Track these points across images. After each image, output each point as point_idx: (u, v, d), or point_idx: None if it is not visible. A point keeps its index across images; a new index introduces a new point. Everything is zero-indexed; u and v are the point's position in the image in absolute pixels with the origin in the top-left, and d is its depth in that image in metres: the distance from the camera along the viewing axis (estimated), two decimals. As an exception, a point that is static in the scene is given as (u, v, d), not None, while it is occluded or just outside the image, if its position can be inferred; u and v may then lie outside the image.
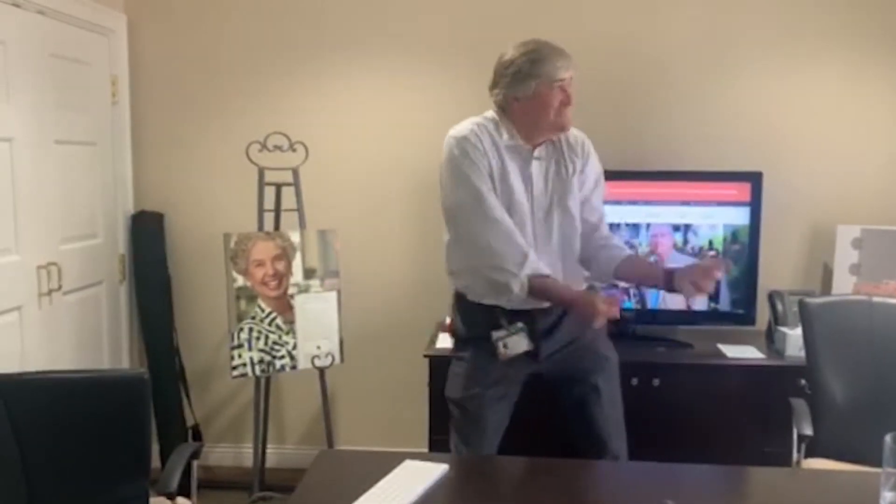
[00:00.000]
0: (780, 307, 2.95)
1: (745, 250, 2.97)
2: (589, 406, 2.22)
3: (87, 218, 3.06)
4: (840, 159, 3.14)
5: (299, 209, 3.03)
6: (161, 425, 3.24)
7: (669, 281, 2.09)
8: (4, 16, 2.54)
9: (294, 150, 3.00)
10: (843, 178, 3.15)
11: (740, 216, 2.96)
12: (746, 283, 2.97)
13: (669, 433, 2.73)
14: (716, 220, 2.98)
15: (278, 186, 3.06)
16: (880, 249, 2.99)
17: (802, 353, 2.45)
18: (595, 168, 2.26)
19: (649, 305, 3.01)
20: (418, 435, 2.79)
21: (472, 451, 2.16)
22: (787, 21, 3.11)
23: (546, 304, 2.14)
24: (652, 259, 2.95)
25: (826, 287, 3.13)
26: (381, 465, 1.75)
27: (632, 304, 3.02)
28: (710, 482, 1.87)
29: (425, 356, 2.74)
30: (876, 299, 2.42)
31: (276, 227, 3.09)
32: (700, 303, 2.98)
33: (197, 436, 3.37)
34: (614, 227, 2.94)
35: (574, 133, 2.24)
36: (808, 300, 2.42)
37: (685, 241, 2.99)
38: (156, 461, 2.88)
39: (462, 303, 2.22)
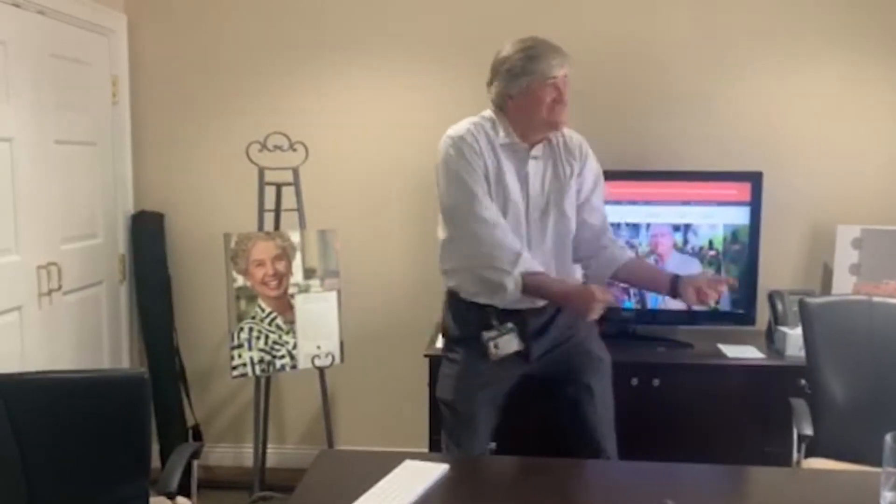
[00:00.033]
0: (780, 307, 2.95)
1: (745, 250, 2.96)
2: (582, 406, 2.22)
3: (87, 218, 3.06)
4: (840, 159, 3.15)
5: (299, 209, 3.03)
6: (161, 425, 3.24)
7: (674, 287, 2.09)
8: (4, 16, 2.54)
9: (294, 150, 3.00)
10: (844, 178, 3.15)
11: (740, 216, 2.96)
12: (746, 282, 2.97)
13: (669, 433, 2.73)
14: (716, 219, 2.98)
15: (278, 186, 3.06)
16: (880, 249, 2.99)
17: (802, 353, 2.45)
18: (593, 169, 2.26)
19: (649, 305, 3.01)
20: (418, 435, 2.79)
21: (463, 452, 2.15)
22: (787, 21, 3.11)
23: (539, 304, 2.14)
24: (653, 259, 2.95)
25: (826, 287, 3.13)
26: (381, 465, 1.76)
27: (632, 304, 3.02)
28: (710, 482, 1.87)
29: (425, 356, 2.74)
30: (876, 299, 2.42)
31: (277, 227, 3.09)
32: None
33: (197, 436, 3.37)
34: (614, 226, 2.92)
35: (572, 135, 2.25)
36: (809, 300, 2.42)
37: (685, 241, 2.99)
38: (156, 461, 2.88)
39: (454, 302, 2.22)
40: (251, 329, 2.87)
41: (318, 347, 2.98)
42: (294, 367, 2.95)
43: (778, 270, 3.15)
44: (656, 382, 2.76)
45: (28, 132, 2.65)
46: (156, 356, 3.32)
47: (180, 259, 3.38)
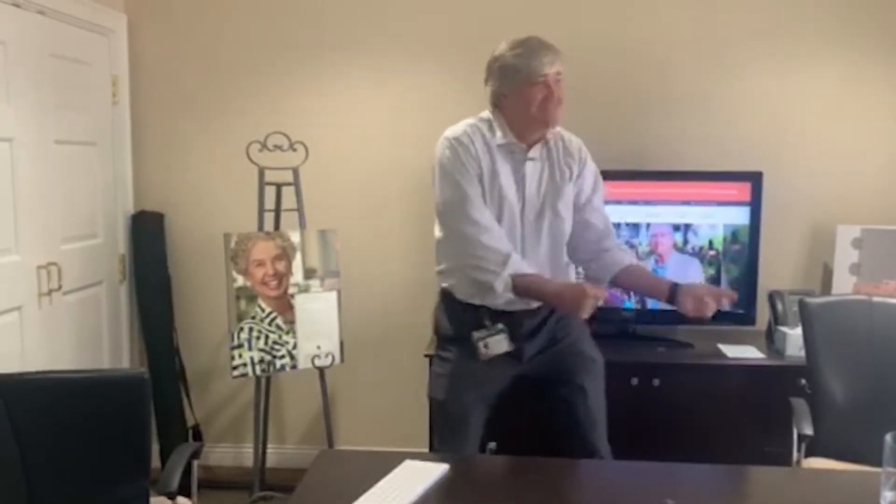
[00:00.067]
0: (780, 307, 2.95)
1: (745, 250, 2.97)
2: (575, 407, 2.22)
3: (87, 218, 3.06)
4: (840, 159, 3.15)
5: (299, 209, 3.03)
6: (161, 425, 3.24)
7: (673, 295, 2.09)
8: (4, 16, 2.54)
9: (294, 150, 3.00)
10: (844, 178, 3.15)
11: (740, 216, 2.97)
12: (746, 282, 2.97)
13: (669, 433, 2.73)
14: (716, 219, 2.98)
15: (278, 186, 3.06)
16: (880, 249, 2.99)
17: (802, 353, 2.45)
18: (592, 171, 2.26)
19: (649, 305, 3.01)
20: (418, 435, 2.78)
21: (454, 451, 2.15)
22: (786, 21, 3.11)
23: (533, 305, 2.14)
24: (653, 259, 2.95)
25: (826, 287, 3.13)
26: (381, 465, 1.76)
27: (632, 304, 3.02)
28: (711, 482, 1.87)
29: (425, 356, 2.73)
30: (876, 299, 2.42)
31: (277, 227, 3.09)
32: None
33: (197, 436, 3.37)
34: (614, 226, 2.93)
35: (571, 138, 2.25)
36: (809, 300, 2.42)
37: (685, 241, 2.99)
38: (156, 461, 2.88)
39: (449, 301, 2.23)
40: (251, 329, 2.87)
41: (318, 347, 2.98)
42: (294, 367, 2.95)
43: (778, 270, 3.15)
44: (656, 382, 2.76)
45: (28, 132, 2.65)
46: (156, 356, 3.32)
47: (180, 259, 3.38)
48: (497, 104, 2.15)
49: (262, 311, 2.90)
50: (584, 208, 2.24)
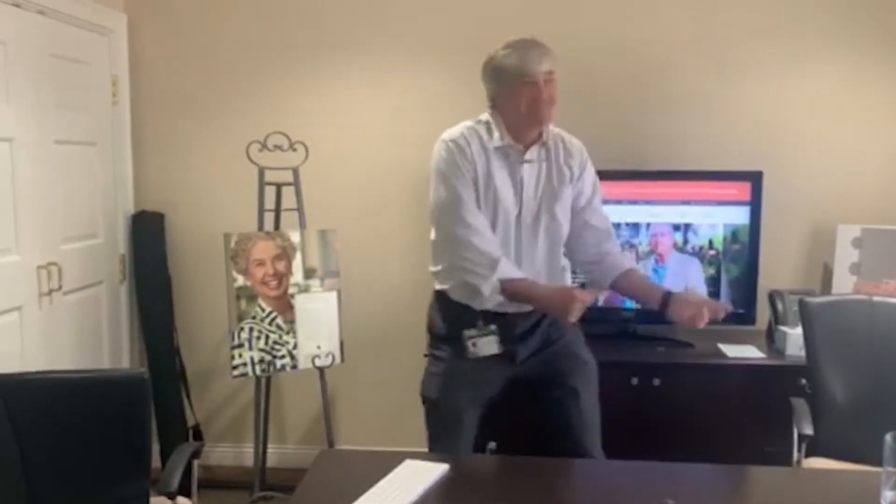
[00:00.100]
0: (780, 307, 2.95)
1: (745, 250, 2.97)
2: (568, 409, 2.21)
3: (87, 218, 3.06)
4: (840, 159, 3.15)
5: (299, 209, 3.03)
6: (161, 425, 3.24)
7: (665, 302, 2.09)
8: (4, 16, 2.54)
9: (294, 150, 3.00)
10: (844, 177, 3.15)
11: (740, 216, 2.96)
12: (746, 282, 2.97)
13: (670, 433, 2.73)
14: (716, 219, 2.98)
15: (278, 186, 3.06)
16: (880, 249, 2.99)
17: (803, 353, 2.45)
18: (591, 173, 2.26)
19: (649, 305, 3.00)
20: (418, 435, 2.77)
21: (447, 451, 2.14)
22: (787, 21, 3.11)
23: (527, 308, 2.14)
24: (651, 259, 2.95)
25: (826, 286, 3.13)
26: (381, 465, 1.76)
27: (632, 303, 3.02)
28: (711, 481, 1.87)
29: (426, 356, 2.72)
30: (876, 299, 2.42)
31: (277, 226, 3.09)
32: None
33: (197, 435, 3.37)
34: (614, 226, 2.93)
35: (572, 139, 2.24)
36: (809, 300, 2.42)
37: (685, 241, 2.99)
38: (156, 461, 2.88)
39: (443, 301, 2.23)
40: (251, 329, 2.87)
41: (319, 347, 2.98)
42: (294, 366, 2.95)
43: (778, 270, 3.15)
44: (656, 382, 2.76)
45: (28, 132, 2.65)
46: (156, 356, 3.32)
47: (180, 259, 3.38)
48: (494, 105, 2.16)
49: (263, 310, 2.90)
50: (583, 210, 2.23)
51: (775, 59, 3.13)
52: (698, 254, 2.99)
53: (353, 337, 3.15)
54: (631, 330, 3.02)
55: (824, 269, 3.18)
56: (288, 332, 2.94)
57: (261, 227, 2.99)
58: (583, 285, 2.39)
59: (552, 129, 2.20)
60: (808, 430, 2.26)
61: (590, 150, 2.29)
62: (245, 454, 3.39)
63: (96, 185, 3.12)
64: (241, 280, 2.86)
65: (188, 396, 3.36)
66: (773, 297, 2.98)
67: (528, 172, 2.14)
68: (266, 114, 3.24)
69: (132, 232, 3.32)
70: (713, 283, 2.98)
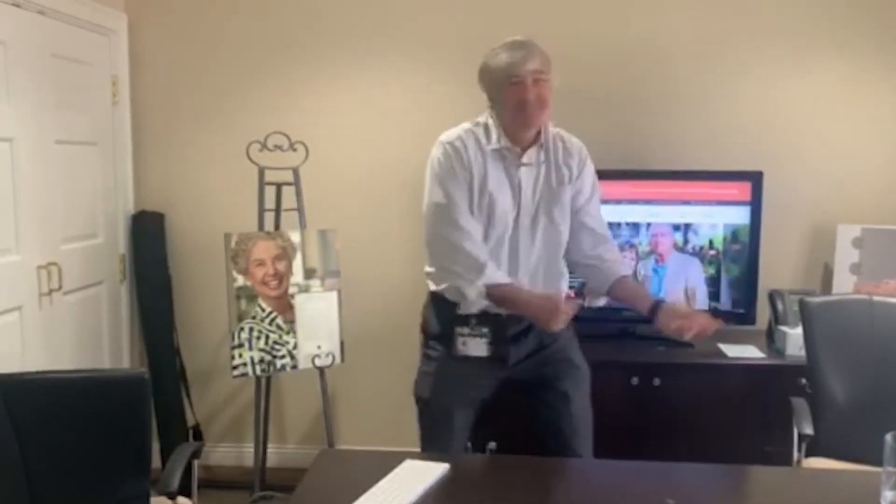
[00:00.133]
0: (780, 306, 2.95)
1: (745, 250, 2.97)
2: (558, 413, 2.20)
3: (87, 218, 3.06)
4: (840, 159, 3.15)
5: (300, 209, 3.03)
6: (162, 425, 3.24)
7: (654, 311, 2.06)
8: (5, 16, 2.54)
9: (294, 150, 3.00)
10: (844, 177, 3.15)
11: (741, 215, 2.96)
12: (747, 282, 2.97)
13: (670, 432, 2.73)
14: (716, 219, 2.98)
15: (279, 186, 3.06)
16: (880, 249, 2.99)
17: (803, 353, 2.44)
18: (591, 174, 2.23)
19: (650, 305, 3.01)
20: (418, 435, 2.78)
21: (439, 450, 2.14)
22: (787, 21, 3.11)
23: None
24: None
25: (826, 286, 3.13)
26: (381, 465, 1.76)
27: (632, 303, 3.02)
28: (711, 481, 1.87)
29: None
30: (876, 298, 2.41)
31: (277, 226, 3.09)
32: (700, 302, 2.98)
33: (198, 435, 3.37)
34: (614, 226, 2.94)
35: (572, 139, 2.22)
36: (809, 299, 2.42)
37: (685, 241, 2.99)
38: (156, 461, 2.88)
39: (438, 301, 2.22)
40: (251, 329, 2.87)
41: (319, 347, 2.98)
42: (294, 366, 2.95)
43: (778, 270, 3.15)
44: (657, 382, 2.76)
45: (28, 132, 2.65)
46: (156, 356, 3.32)
47: (180, 259, 3.39)
48: (491, 107, 2.15)
49: (263, 310, 2.90)
50: (580, 210, 2.21)
51: (775, 59, 3.13)
52: (698, 254, 2.99)
53: (353, 337, 3.15)
54: (631, 330, 3.02)
55: (824, 268, 3.18)
56: (288, 332, 2.94)
57: (261, 227, 2.99)
58: (581, 288, 2.38)
59: (552, 129, 2.18)
60: (809, 430, 2.26)
61: (590, 150, 2.27)
62: (245, 454, 3.39)
63: (96, 185, 3.12)
64: (241, 280, 2.86)
65: (188, 396, 3.37)
66: (773, 297, 2.98)
67: (525, 175, 2.13)
68: (266, 114, 3.24)
69: (132, 232, 3.32)
70: (713, 283, 2.98)
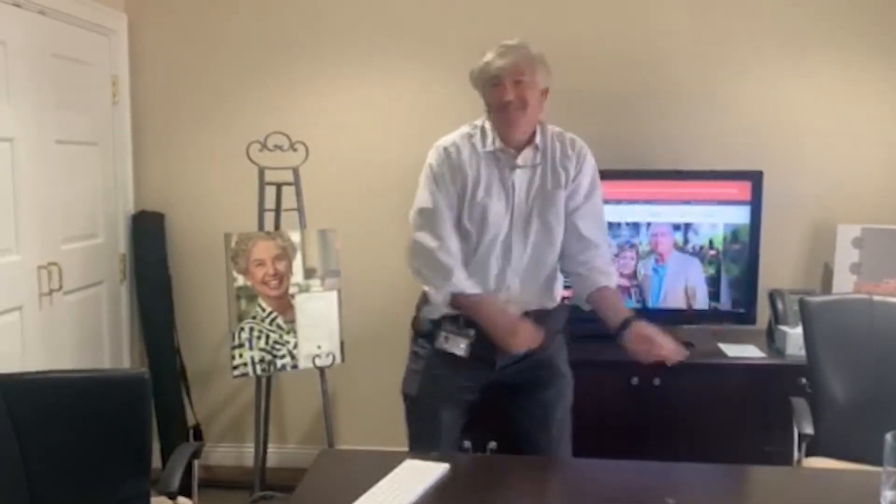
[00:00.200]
0: (780, 306, 2.95)
1: (745, 249, 2.96)
2: (538, 419, 2.21)
3: (87, 218, 3.06)
4: (840, 158, 3.15)
5: (300, 209, 3.03)
6: (162, 425, 3.24)
7: (622, 328, 2.04)
8: (5, 16, 2.54)
9: (294, 150, 3.00)
10: (844, 177, 3.15)
11: (741, 215, 2.96)
12: (747, 282, 2.97)
13: (670, 432, 2.73)
14: (716, 219, 2.98)
15: (279, 186, 3.06)
16: (881, 248, 2.99)
17: (803, 352, 2.44)
18: (589, 176, 2.18)
19: (650, 305, 3.01)
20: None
21: (427, 449, 2.13)
22: (787, 21, 3.11)
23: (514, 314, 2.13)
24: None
25: (826, 286, 3.13)
26: (381, 465, 1.76)
27: (632, 303, 3.02)
28: (711, 481, 1.87)
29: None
30: (876, 298, 2.41)
31: (277, 226, 3.09)
32: (700, 301, 2.98)
33: (198, 435, 3.37)
34: (614, 226, 2.94)
35: (574, 139, 2.19)
36: (809, 299, 2.42)
37: (685, 241, 2.99)
38: (157, 461, 2.88)
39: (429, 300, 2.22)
40: (252, 329, 2.88)
41: (319, 347, 2.98)
42: (295, 366, 2.95)
43: (778, 269, 3.15)
44: (657, 382, 2.76)
45: (29, 132, 2.65)
46: (156, 356, 3.32)
47: (180, 259, 3.39)
48: (486, 110, 2.14)
49: (263, 310, 2.90)
50: (572, 214, 2.16)
51: (776, 59, 3.13)
52: (699, 253, 2.99)
53: (353, 337, 3.15)
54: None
55: (824, 268, 3.18)
56: (288, 332, 2.94)
57: (261, 227, 2.99)
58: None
59: (552, 129, 2.17)
60: (809, 430, 2.26)
61: (590, 150, 2.24)
62: (245, 454, 3.39)
63: (96, 185, 3.12)
64: (241, 280, 2.86)
65: (188, 396, 3.37)
66: (773, 297, 2.98)
67: (519, 177, 2.11)
68: (266, 114, 3.24)
69: (132, 232, 3.32)
70: (713, 283, 2.98)
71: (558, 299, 2.24)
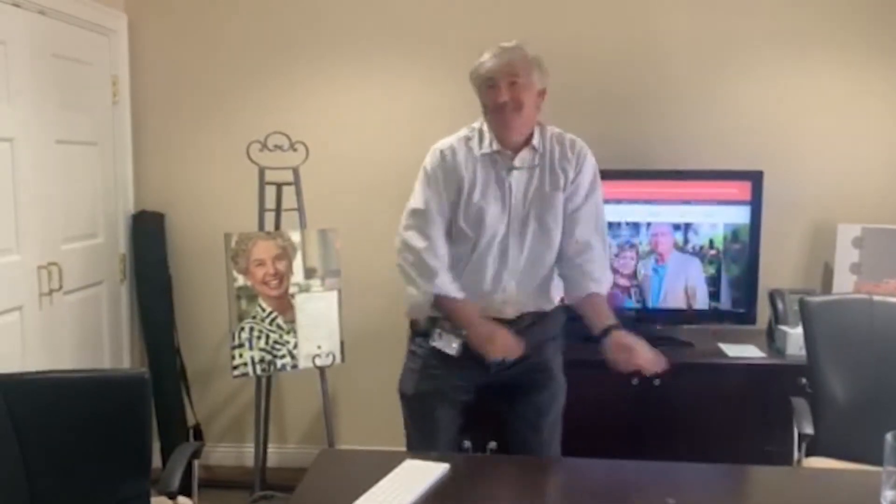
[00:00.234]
0: (780, 306, 2.95)
1: (745, 249, 2.96)
2: (531, 421, 2.22)
3: (87, 218, 3.06)
4: (840, 158, 3.15)
5: (300, 209, 3.03)
6: (162, 425, 3.24)
7: (603, 335, 2.04)
8: (5, 16, 2.54)
9: (294, 150, 3.00)
10: (844, 177, 3.15)
11: (741, 215, 2.96)
12: (747, 282, 2.97)
13: (670, 432, 2.73)
14: (716, 219, 2.98)
15: (279, 186, 3.06)
16: (881, 248, 2.99)
17: (803, 352, 2.44)
18: (587, 178, 2.16)
19: (650, 304, 3.01)
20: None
21: (424, 448, 2.15)
22: (787, 21, 3.11)
23: (507, 317, 2.14)
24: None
25: (827, 286, 3.13)
26: (381, 465, 1.76)
27: (632, 303, 3.02)
28: (711, 481, 1.87)
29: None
30: (876, 298, 2.41)
31: (277, 226, 3.09)
32: (700, 301, 2.98)
33: (198, 435, 3.37)
34: (614, 226, 2.94)
35: (574, 141, 2.17)
36: (809, 299, 2.42)
37: (686, 240, 2.99)
38: (157, 461, 2.88)
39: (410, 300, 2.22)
40: (252, 329, 2.88)
41: (319, 347, 2.98)
42: (295, 366, 2.95)
43: (778, 269, 3.15)
44: (657, 381, 2.75)
45: (29, 132, 2.65)
46: (156, 356, 3.32)
47: (181, 259, 3.39)
48: (483, 111, 2.15)
49: (263, 310, 2.90)
50: (571, 215, 2.16)
51: (776, 59, 3.13)
52: (699, 253, 2.99)
53: (353, 337, 3.15)
54: (631, 330, 3.01)
55: (825, 268, 3.18)
56: (288, 332, 2.94)
57: (261, 227, 2.99)
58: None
59: (552, 130, 2.16)
60: (809, 430, 2.26)
61: (590, 150, 2.23)
62: (245, 454, 3.39)
63: (96, 185, 3.12)
64: (241, 280, 2.86)
65: (188, 396, 3.37)
66: (773, 297, 2.98)
67: (517, 179, 2.11)
68: (266, 114, 3.24)
69: (132, 232, 3.32)
70: (713, 283, 2.98)
71: (556, 302, 2.23)
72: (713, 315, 3.02)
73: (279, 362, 2.92)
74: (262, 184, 2.98)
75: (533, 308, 2.18)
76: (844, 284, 3.00)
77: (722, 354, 2.85)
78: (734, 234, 2.97)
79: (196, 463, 2.10)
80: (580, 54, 3.12)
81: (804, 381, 2.61)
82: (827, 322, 2.37)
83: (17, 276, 2.61)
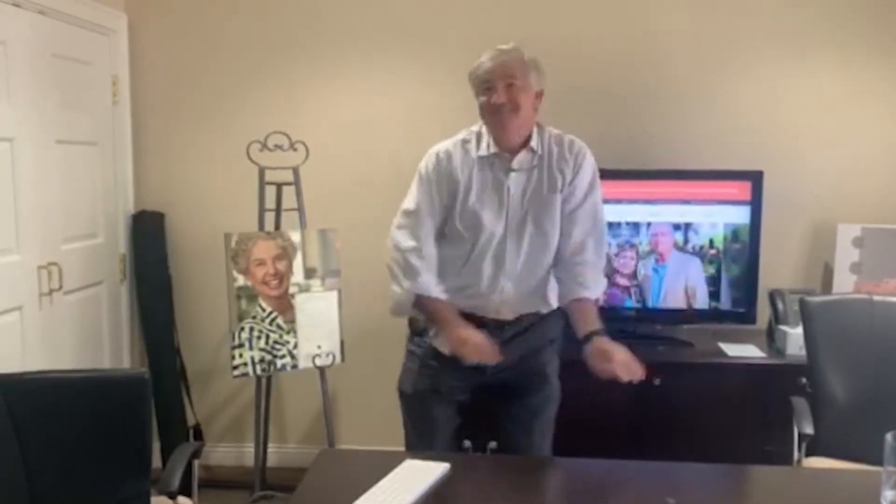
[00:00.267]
0: (780, 306, 2.95)
1: (745, 249, 2.96)
2: (524, 423, 2.22)
3: (87, 218, 3.06)
4: (841, 158, 3.15)
5: (300, 208, 3.03)
6: (162, 425, 3.24)
7: (586, 340, 2.03)
8: (5, 16, 2.54)
9: (294, 150, 3.00)
10: (844, 176, 3.15)
11: (741, 215, 2.96)
12: (747, 281, 2.97)
13: (670, 432, 2.73)
14: (716, 218, 2.98)
15: (279, 186, 3.06)
16: (881, 248, 2.99)
17: (803, 352, 2.44)
18: (586, 180, 2.14)
19: (650, 304, 3.01)
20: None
21: (423, 447, 2.16)
22: (787, 21, 3.11)
23: (505, 318, 2.14)
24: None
25: (827, 286, 3.13)
26: (381, 465, 1.76)
27: (632, 302, 3.02)
28: (711, 481, 1.87)
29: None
30: (877, 298, 2.41)
31: (277, 226, 3.09)
32: (701, 301, 2.98)
33: (198, 435, 3.37)
34: (614, 226, 2.94)
35: (573, 141, 2.16)
36: (809, 299, 2.42)
37: (686, 240, 2.99)
38: (157, 460, 2.88)
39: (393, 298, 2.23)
40: (252, 329, 2.88)
41: (319, 347, 2.98)
42: (295, 366, 2.95)
43: (779, 269, 3.15)
44: (656, 382, 2.75)
45: (29, 132, 2.65)
46: (156, 356, 3.32)
47: (181, 259, 3.39)
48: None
49: (263, 310, 2.90)
50: (569, 216, 2.14)
51: (776, 59, 3.13)
52: (699, 253, 2.99)
53: (353, 337, 3.15)
54: (631, 329, 3.02)
55: (825, 268, 3.18)
56: (288, 332, 2.94)
57: (261, 227, 2.99)
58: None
59: (551, 132, 2.15)
60: (809, 430, 2.26)
61: (590, 150, 2.21)
62: (245, 454, 3.39)
63: (96, 185, 3.12)
64: (241, 280, 2.86)
65: (189, 396, 3.37)
66: (773, 297, 2.99)
67: (515, 181, 2.10)
68: (266, 114, 3.24)
69: (132, 232, 3.32)
70: (713, 283, 2.98)
71: (554, 304, 2.22)
72: (713, 315, 3.02)
73: (279, 362, 2.92)
74: (262, 184, 2.98)
75: (530, 310, 2.18)
76: (844, 284, 3.00)
77: (722, 354, 2.85)
78: (734, 234, 2.97)
79: (196, 463, 2.10)
80: (580, 54, 3.12)
81: (804, 380, 2.61)
82: (827, 322, 2.38)
83: (17, 276, 2.61)
